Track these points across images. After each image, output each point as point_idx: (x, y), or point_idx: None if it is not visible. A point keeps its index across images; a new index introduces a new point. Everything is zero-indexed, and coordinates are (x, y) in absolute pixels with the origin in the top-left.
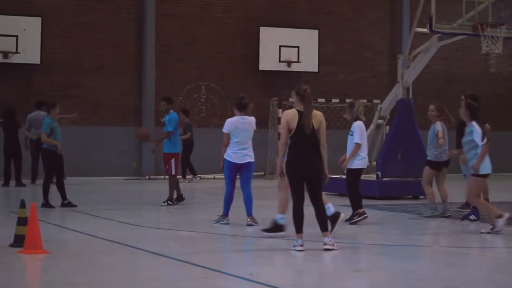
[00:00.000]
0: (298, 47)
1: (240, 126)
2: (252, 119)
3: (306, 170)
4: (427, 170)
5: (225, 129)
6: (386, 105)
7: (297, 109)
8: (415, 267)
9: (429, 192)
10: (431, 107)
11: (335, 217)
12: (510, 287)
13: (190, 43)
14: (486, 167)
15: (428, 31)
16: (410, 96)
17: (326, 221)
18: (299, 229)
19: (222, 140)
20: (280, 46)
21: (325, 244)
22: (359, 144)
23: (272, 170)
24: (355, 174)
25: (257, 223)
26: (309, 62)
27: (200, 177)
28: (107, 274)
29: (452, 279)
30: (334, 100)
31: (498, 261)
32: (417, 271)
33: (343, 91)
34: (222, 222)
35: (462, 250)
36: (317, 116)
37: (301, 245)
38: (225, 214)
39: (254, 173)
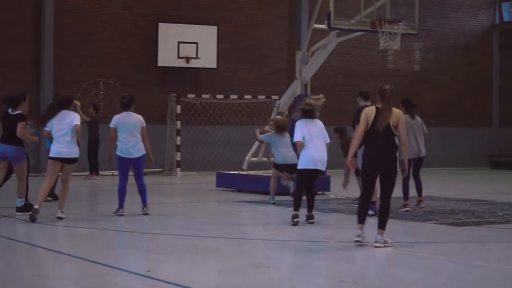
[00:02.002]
0: (196, 43)
1: (126, 121)
2: (137, 116)
3: (378, 166)
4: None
5: (111, 124)
6: (284, 101)
7: (376, 106)
8: (312, 262)
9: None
10: None
11: None
12: (407, 281)
13: (88, 39)
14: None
15: (326, 27)
16: (308, 92)
17: (385, 219)
18: (361, 220)
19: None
20: (179, 42)
21: (375, 242)
22: None
23: (170, 166)
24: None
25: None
26: (207, 59)
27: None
28: (5, 272)
29: (349, 273)
30: (232, 97)
31: (396, 255)
32: (314, 266)
33: (242, 87)
34: (118, 214)
35: (359, 245)
36: (396, 114)
37: (358, 236)
38: (120, 206)
39: (152, 169)
